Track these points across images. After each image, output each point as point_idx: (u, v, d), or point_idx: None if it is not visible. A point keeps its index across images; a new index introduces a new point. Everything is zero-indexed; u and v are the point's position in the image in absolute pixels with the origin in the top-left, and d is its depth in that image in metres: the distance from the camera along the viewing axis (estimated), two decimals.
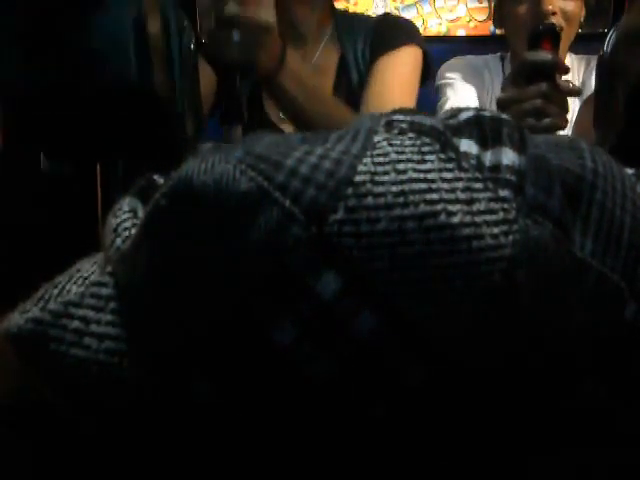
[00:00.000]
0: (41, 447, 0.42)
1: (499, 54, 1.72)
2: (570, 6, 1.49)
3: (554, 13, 1.45)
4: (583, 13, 1.56)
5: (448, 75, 1.65)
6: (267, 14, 1.04)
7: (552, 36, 1.08)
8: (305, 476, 0.38)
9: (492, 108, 1.58)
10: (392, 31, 1.41)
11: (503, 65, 1.69)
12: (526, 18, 1.50)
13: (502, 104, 1.06)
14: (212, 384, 0.37)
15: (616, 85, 0.71)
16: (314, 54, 1.39)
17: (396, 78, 1.35)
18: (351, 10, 2.73)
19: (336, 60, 1.40)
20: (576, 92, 1.12)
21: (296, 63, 1.15)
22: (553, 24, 1.23)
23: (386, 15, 1.54)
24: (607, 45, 0.74)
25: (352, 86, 1.37)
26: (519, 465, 0.39)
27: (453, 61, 1.71)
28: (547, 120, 1.03)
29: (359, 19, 1.47)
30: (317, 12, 1.37)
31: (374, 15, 1.60)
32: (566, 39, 1.48)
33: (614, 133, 0.70)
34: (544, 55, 1.05)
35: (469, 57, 1.72)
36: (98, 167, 0.74)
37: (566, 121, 1.07)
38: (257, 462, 0.38)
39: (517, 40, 1.54)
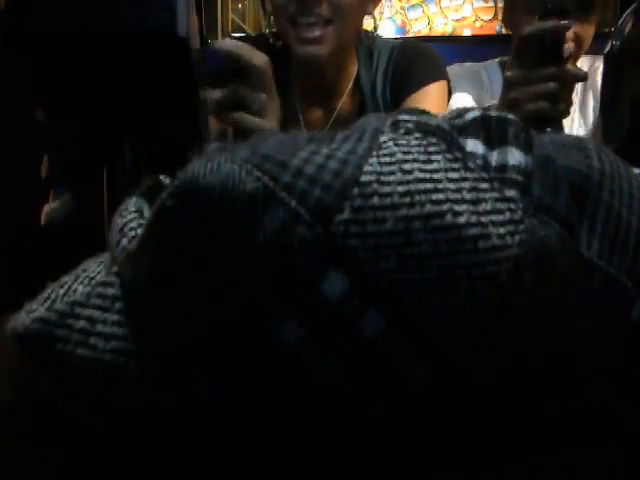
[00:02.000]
0: (47, 447, 0.42)
1: (498, 60, 1.70)
2: (585, 30, 1.45)
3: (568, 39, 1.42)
4: (592, 33, 1.52)
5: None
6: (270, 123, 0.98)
7: (561, 15, 1.01)
8: (309, 475, 0.38)
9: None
10: (416, 67, 1.29)
11: (503, 71, 1.68)
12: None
13: (511, 81, 0.99)
14: (217, 384, 0.37)
15: (623, 83, 0.71)
16: (339, 100, 1.33)
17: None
18: None
19: (357, 103, 1.34)
20: (583, 77, 1.06)
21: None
22: (562, 2, 1.16)
23: (405, 45, 1.38)
24: (614, 42, 0.73)
25: None
26: (524, 465, 0.39)
27: (451, 67, 1.69)
28: (562, 105, 0.97)
29: (378, 48, 1.35)
30: (337, 65, 1.29)
31: (390, 40, 1.48)
32: (575, 61, 1.46)
33: (620, 131, 0.70)
34: (554, 22, 0.96)
35: (467, 64, 1.70)
36: (105, 168, 0.74)
37: (570, 108, 1.01)
38: (261, 461, 0.38)
39: None
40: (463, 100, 1.55)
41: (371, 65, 1.33)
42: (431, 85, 1.30)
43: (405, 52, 1.34)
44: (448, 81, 1.34)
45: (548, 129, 0.96)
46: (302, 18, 1.17)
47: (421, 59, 1.34)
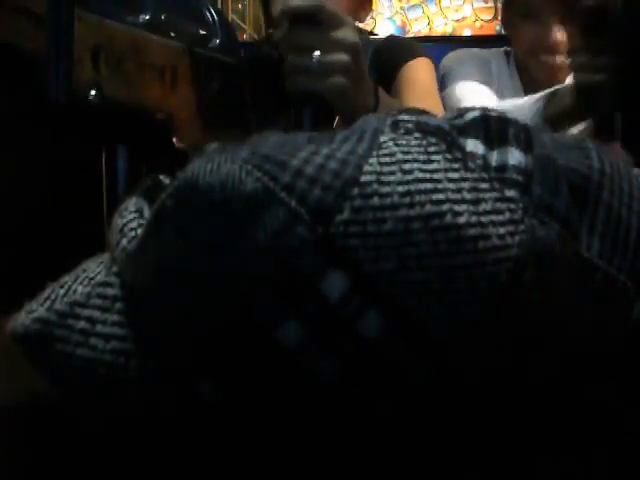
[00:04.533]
0: (46, 447, 0.42)
1: (503, 49, 1.70)
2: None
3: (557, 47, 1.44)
4: None
5: (454, 66, 1.64)
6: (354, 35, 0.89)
7: None
8: (309, 475, 0.38)
9: (501, 99, 1.56)
10: (402, 47, 1.39)
11: (508, 61, 1.68)
12: (531, 41, 1.49)
13: (573, 51, 0.95)
14: (217, 384, 0.37)
15: None
16: None
17: (422, 88, 1.35)
18: None
19: None
20: None
21: (387, 97, 0.99)
22: None
23: (386, 40, 1.49)
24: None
25: None
26: (525, 465, 0.39)
27: (458, 52, 1.69)
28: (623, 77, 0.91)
29: (366, 46, 1.34)
30: None
31: (375, 39, 1.55)
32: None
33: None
34: None
35: (474, 49, 1.70)
36: (103, 167, 0.73)
37: None
38: (261, 461, 0.38)
39: (519, 49, 1.53)
40: (475, 86, 1.55)
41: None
42: (418, 59, 1.39)
43: (387, 45, 1.44)
44: (431, 60, 1.43)
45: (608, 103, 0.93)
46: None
47: (406, 42, 1.46)
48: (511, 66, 1.65)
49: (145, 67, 0.74)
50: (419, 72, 1.35)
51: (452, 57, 1.68)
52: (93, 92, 0.66)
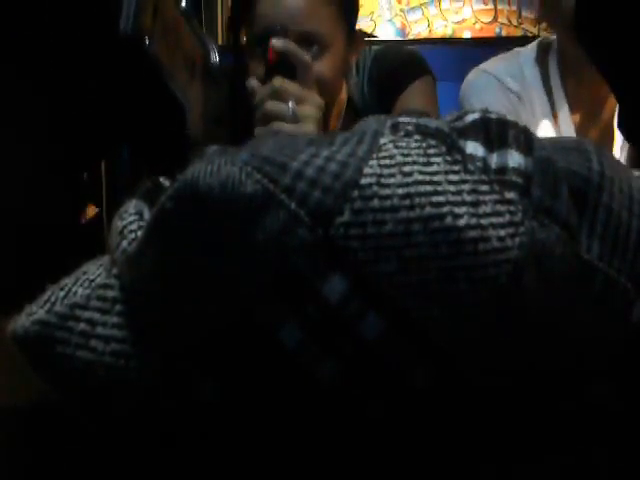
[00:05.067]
0: (46, 448, 0.42)
1: (534, 51, 1.39)
2: None
3: None
4: None
5: (473, 102, 1.38)
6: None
7: None
8: (309, 475, 0.38)
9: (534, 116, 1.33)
10: (399, 69, 1.34)
11: (541, 72, 1.39)
12: None
13: None
14: (217, 385, 0.37)
15: None
16: (337, 122, 1.31)
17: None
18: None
19: (353, 119, 1.36)
20: None
21: None
22: None
23: (385, 50, 1.41)
24: None
25: None
26: (524, 465, 0.39)
27: (478, 79, 1.43)
28: None
29: (362, 57, 1.36)
30: (339, 96, 1.30)
31: (372, 49, 1.51)
32: None
33: None
34: None
35: (497, 69, 1.40)
36: (103, 168, 0.74)
37: None
38: (261, 462, 0.38)
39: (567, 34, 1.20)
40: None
41: (357, 75, 1.37)
42: (417, 82, 1.33)
43: (386, 57, 1.38)
44: (432, 74, 1.36)
45: None
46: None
47: (403, 60, 1.37)
48: (547, 73, 1.37)
49: (178, 49, 0.80)
50: (417, 100, 1.32)
51: (473, 89, 1.42)
52: (148, 40, 0.74)
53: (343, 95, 1.33)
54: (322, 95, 1.15)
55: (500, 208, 0.35)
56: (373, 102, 1.35)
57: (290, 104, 0.97)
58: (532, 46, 1.42)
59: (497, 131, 0.38)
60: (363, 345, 0.34)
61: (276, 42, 0.98)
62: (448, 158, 0.36)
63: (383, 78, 1.35)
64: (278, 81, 0.97)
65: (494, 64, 1.43)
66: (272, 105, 0.97)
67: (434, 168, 0.35)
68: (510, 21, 3.10)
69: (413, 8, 3.09)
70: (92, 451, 0.40)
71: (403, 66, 1.36)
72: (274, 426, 0.37)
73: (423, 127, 0.38)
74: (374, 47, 1.47)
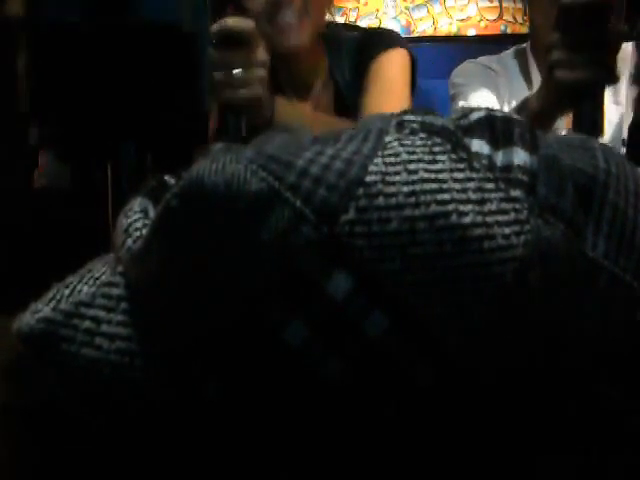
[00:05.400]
0: (51, 446, 0.42)
1: (513, 49, 1.63)
2: None
3: None
4: None
5: (459, 82, 1.61)
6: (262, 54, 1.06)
7: None
8: (313, 474, 0.38)
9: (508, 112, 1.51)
10: (373, 41, 1.41)
11: (519, 62, 1.64)
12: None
13: (551, 46, 0.90)
14: (222, 383, 0.37)
15: None
16: (317, 91, 1.39)
17: (386, 84, 1.36)
18: (361, 10, 2.73)
19: (332, 90, 1.41)
20: (633, 36, 0.96)
21: (287, 108, 1.15)
22: None
23: (369, 31, 1.52)
24: None
25: (349, 111, 1.38)
26: (529, 465, 0.38)
27: (463, 66, 1.64)
28: (604, 72, 0.88)
29: (346, 39, 1.46)
30: (311, 55, 1.37)
31: (357, 31, 1.59)
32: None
33: None
34: None
35: (481, 59, 1.63)
36: (109, 167, 0.74)
37: (618, 75, 0.90)
38: (265, 460, 0.38)
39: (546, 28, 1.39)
40: (484, 99, 1.51)
41: (340, 55, 1.42)
42: (388, 50, 1.38)
43: (368, 36, 1.45)
44: (408, 50, 1.42)
45: (589, 99, 0.91)
46: (279, 16, 1.26)
47: (378, 34, 1.45)
48: (524, 67, 1.59)
49: None
50: (387, 66, 1.36)
51: (459, 72, 1.63)
52: None
53: (322, 60, 1.40)
54: (309, 17, 1.25)
55: (505, 206, 0.35)
56: (354, 80, 1.40)
57: (236, 71, 1.01)
58: (511, 50, 1.64)
59: (502, 129, 0.38)
60: (367, 343, 0.34)
61: (214, 27, 1.01)
62: (453, 156, 0.36)
63: (359, 56, 1.41)
64: (223, 54, 1.01)
65: (478, 58, 1.63)
66: (220, 76, 1.02)
67: (439, 166, 0.35)
68: (515, 19, 3.09)
69: (418, 6, 3.08)
70: (95, 449, 0.40)
71: (378, 35, 1.43)
72: (278, 424, 0.37)
73: (428, 125, 0.38)
74: (361, 30, 1.54)
